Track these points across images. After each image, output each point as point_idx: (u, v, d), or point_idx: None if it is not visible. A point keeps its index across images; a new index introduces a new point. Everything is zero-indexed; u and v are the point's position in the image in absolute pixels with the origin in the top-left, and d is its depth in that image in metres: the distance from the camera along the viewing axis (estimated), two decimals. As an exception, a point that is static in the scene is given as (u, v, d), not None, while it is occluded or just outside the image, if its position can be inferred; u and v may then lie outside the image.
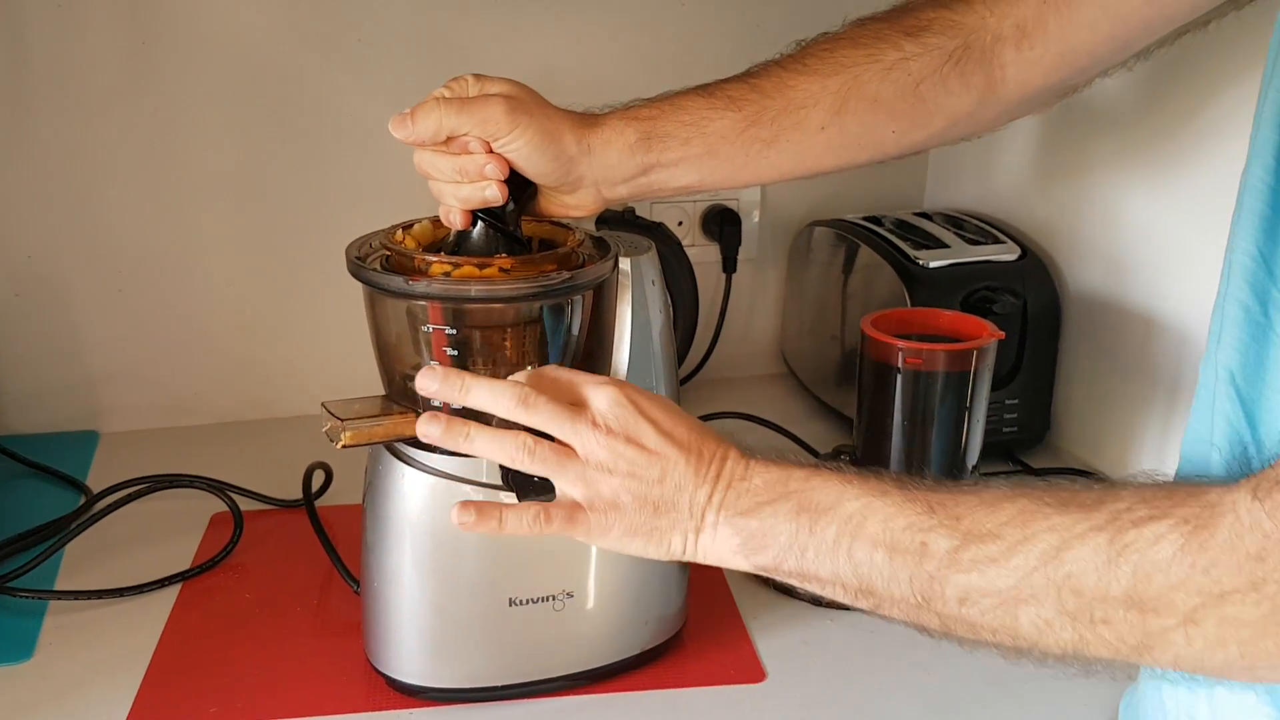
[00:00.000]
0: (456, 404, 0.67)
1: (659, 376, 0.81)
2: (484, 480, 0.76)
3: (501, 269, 0.74)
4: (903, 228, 1.25)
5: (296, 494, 1.07)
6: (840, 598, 0.62)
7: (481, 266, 0.74)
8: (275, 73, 1.18)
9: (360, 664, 0.85)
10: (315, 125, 1.20)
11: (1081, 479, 1.10)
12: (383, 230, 0.81)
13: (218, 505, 1.07)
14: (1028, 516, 0.54)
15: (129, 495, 0.99)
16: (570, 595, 0.80)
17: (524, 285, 0.73)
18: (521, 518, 0.65)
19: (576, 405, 0.65)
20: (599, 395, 0.65)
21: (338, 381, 1.27)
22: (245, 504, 1.06)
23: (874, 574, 0.59)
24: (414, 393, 0.74)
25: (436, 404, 0.74)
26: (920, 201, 1.42)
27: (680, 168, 0.78)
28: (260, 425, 1.26)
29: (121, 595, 0.92)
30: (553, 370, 0.68)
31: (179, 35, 1.14)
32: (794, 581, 0.63)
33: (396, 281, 0.72)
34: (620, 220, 1.20)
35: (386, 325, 0.78)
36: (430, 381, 0.66)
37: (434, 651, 0.80)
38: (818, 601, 0.94)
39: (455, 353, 0.74)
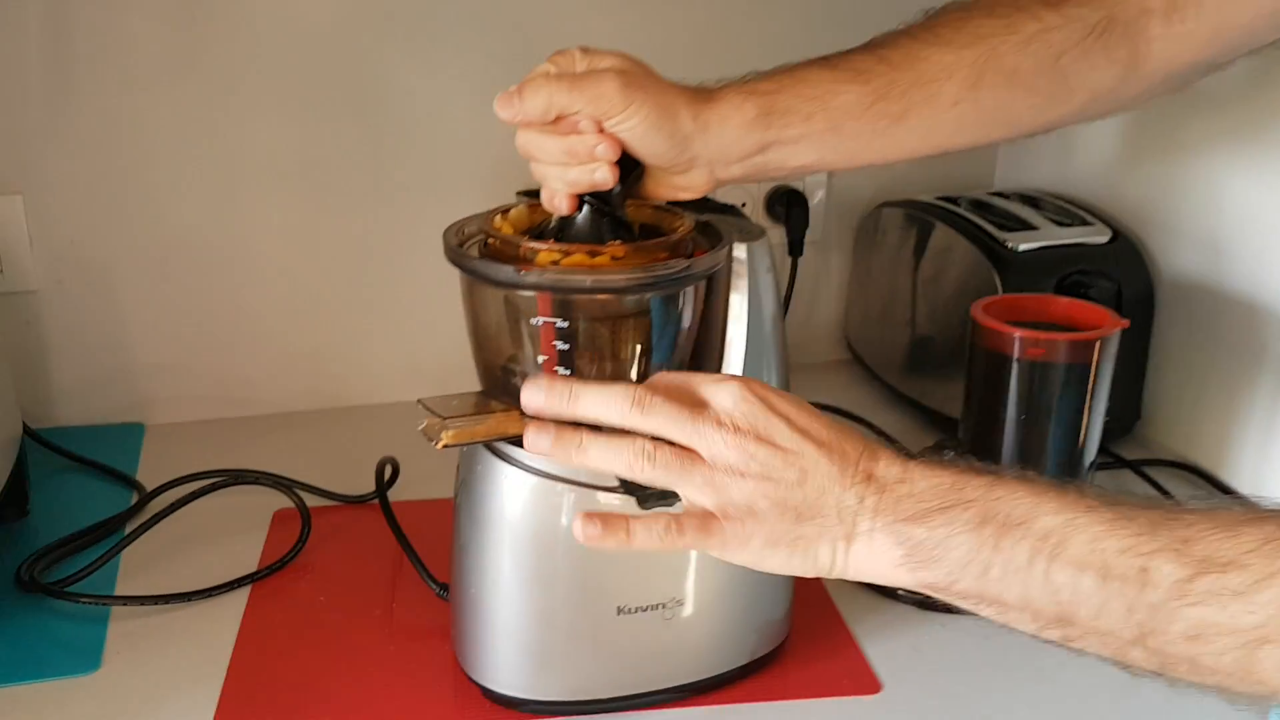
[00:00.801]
0: (565, 416, 0.61)
1: (772, 372, 0.76)
2: (594, 482, 0.71)
3: (614, 257, 0.69)
4: (980, 209, 1.20)
5: (357, 488, 1.03)
6: (1025, 626, 0.56)
7: (592, 254, 0.68)
8: (331, 48, 1.12)
9: (449, 672, 0.80)
10: (372, 103, 1.15)
11: (1196, 478, 1.07)
12: (479, 215, 0.76)
13: (279, 501, 1.02)
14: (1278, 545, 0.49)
15: (193, 493, 0.93)
16: (680, 603, 0.75)
17: (641, 275, 0.67)
18: (651, 530, 0.59)
19: (697, 406, 0.60)
20: (722, 392, 0.59)
21: (395, 372, 1.23)
22: (309, 500, 1.01)
23: (1078, 602, 0.52)
24: (516, 388, 0.70)
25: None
26: (991, 181, 1.37)
27: (800, 146, 0.73)
28: (313, 417, 1.21)
29: (190, 600, 0.87)
30: (665, 375, 0.63)
31: (229, 8, 1.08)
32: (965, 604, 0.57)
33: (505, 271, 0.67)
34: (691, 204, 1.15)
35: (486, 316, 0.72)
36: (535, 395, 0.61)
37: (536, 662, 0.75)
38: (925, 605, 0.89)
39: (565, 346, 0.69)
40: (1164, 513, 0.52)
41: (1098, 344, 0.85)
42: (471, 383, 1.21)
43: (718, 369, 0.75)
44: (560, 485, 0.72)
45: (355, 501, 1.03)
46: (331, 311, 1.20)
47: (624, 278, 0.67)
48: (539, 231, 0.74)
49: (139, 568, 0.92)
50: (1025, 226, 1.14)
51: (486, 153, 1.17)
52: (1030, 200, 1.23)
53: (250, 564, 0.94)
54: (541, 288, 0.67)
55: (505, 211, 0.76)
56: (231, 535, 0.97)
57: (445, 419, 0.70)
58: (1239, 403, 1.05)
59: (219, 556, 0.94)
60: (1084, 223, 1.15)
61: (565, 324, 0.68)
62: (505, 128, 1.18)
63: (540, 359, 0.69)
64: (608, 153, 0.68)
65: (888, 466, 0.58)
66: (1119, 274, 1.10)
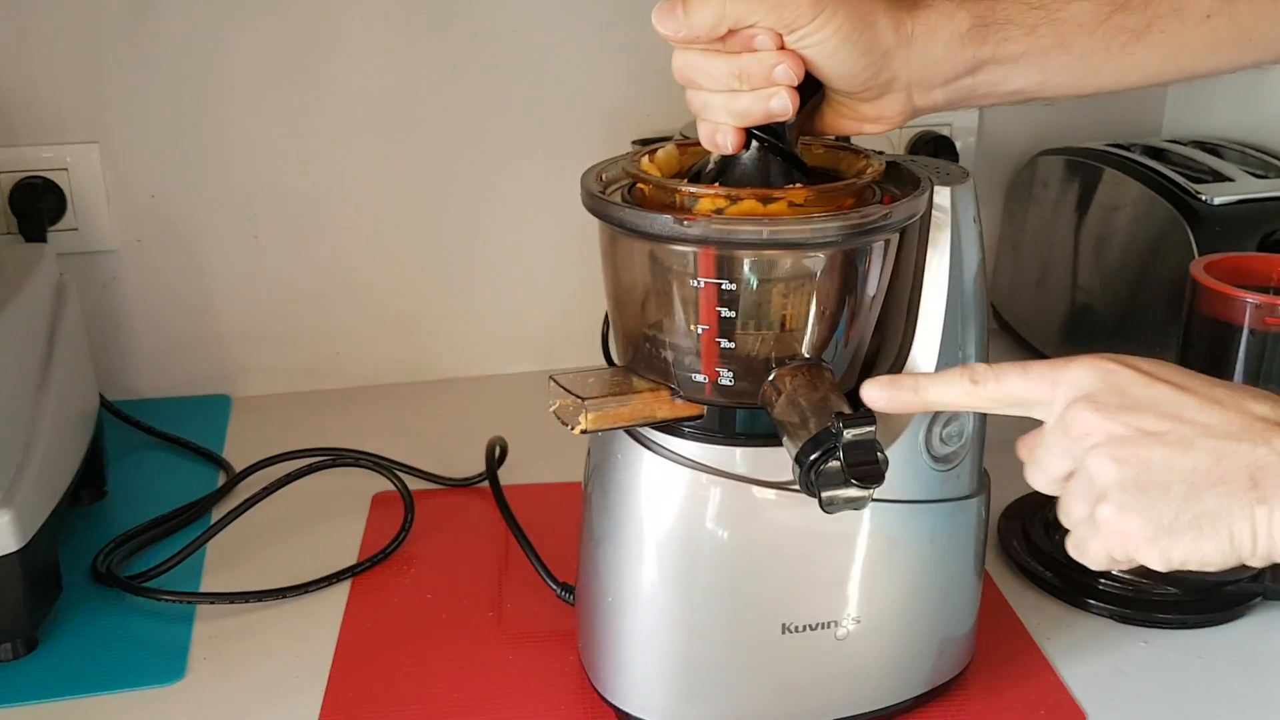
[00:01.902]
0: (913, 408, 0.56)
1: (971, 343, 0.64)
2: (757, 477, 0.59)
3: (791, 204, 0.56)
4: (1158, 157, 1.06)
5: (459, 469, 0.93)
6: None
7: (764, 201, 0.56)
8: (430, -21, 1.01)
9: (575, 685, 0.70)
10: (473, 41, 1.03)
11: None
12: (621, 157, 0.64)
13: (378, 483, 0.92)
14: None
15: (287, 475, 0.83)
16: (858, 620, 0.63)
17: (831, 224, 0.55)
18: (1080, 550, 0.51)
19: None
20: (1075, 369, 0.50)
21: (498, 341, 1.13)
22: (410, 482, 0.91)
23: None
24: (662, 362, 0.58)
25: (697, 376, 0.58)
26: (1159, 127, 1.22)
27: (1020, 66, 0.60)
28: (410, 390, 1.11)
29: (284, 596, 0.78)
30: (1000, 369, 0.53)
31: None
32: None
33: (661, 222, 0.55)
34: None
35: (631, 276, 0.61)
36: (879, 394, 0.55)
37: (684, 684, 0.64)
38: (1123, 618, 0.76)
39: (731, 314, 0.57)
40: None
41: (1348, 314, 0.71)
42: (585, 353, 1.12)
43: (909, 339, 0.62)
44: (717, 479, 0.60)
45: (460, 485, 0.92)
46: (430, 273, 1.09)
47: (809, 228, 0.55)
48: (693, 176, 0.62)
49: (227, 559, 0.82)
50: (1218, 177, 1.00)
51: (598, 98, 1.06)
52: (1210, 149, 1.08)
53: (349, 554, 0.84)
54: (709, 241, 0.55)
55: (652, 152, 0.64)
56: (328, 521, 0.88)
57: (584, 399, 0.58)
58: None
59: (315, 546, 0.84)
60: (1283, 173, 1.00)
61: (732, 286, 0.56)
62: (619, 69, 1.07)
63: (700, 329, 0.57)
64: (790, 74, 0.56)
65: None
66: (1329, 231, 0.95)
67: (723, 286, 0.56)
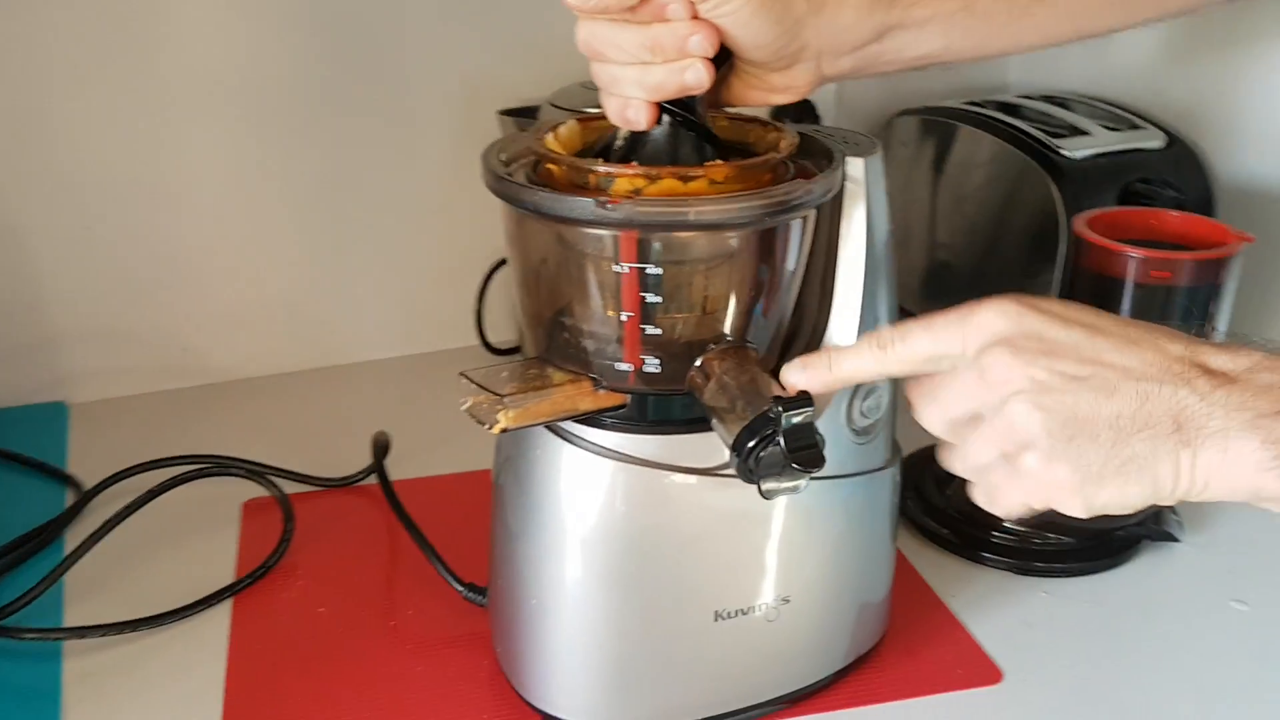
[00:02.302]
0: (830, 386, 0.54)
1: (884, 307, 0.63)
2: (682, 464, 0.57)
3: (713, 181, 0.54)
4: (1013, 113, 1.08)
5: (333, 467, 0.88)
6: None
7: (684, 179, 0.54)
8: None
9: (493, 692, 0.67)
10: (324, 13, 0.96)
11: None
12: (521, 134, 0.60)
13: (248, 490, 0.86)
14: None
15: (150, 491, 0.76)
16: (787, 600, 0.62)
17: (759, 202, 0.53)
18: (986, 496, 0.51)
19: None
20: (983, 314, 0.49)
21: (365, 326, 1.07)
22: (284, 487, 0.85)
23: None
24: (581, 351, 0.55)
25: (620, 365, 0.56)
26: (1006, 86, 1.24)
27: (927, 30, 0.59)
28: (267, 384, 1.04)
29: (161, 623, 0.71)
30: (904, 328, 0.52)
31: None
32: None
33: (582, 205, 0.52)
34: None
35: (543, 263, 0.57)
36: (798, 375, 0.54)
37: (615, 682, 0.62)
38: (1021, 569, 0.78)
39: (656, 298, 0.54)
40: None
41: (1224, 264, 0.73)
42: (456, 333, 1.08)
43: (826, 313, 0.61)
44: (641, 469, 0.58)
45: (340, 485, 0.87)
46: (282, 258, 1.02)
47: (735, 207, 0.53)
48: (600, 152, 0.59)
49: (88, 587, 0.75)
50: (1074, 131, 1.02)
51: (457, 67, 1.01)
52: (1060, 103, 1.11)
53: (225, 570, 0.78)
54: (634, 224, 0.52)
55: (554, 128, 0.60)
56: (196, 535, 0.81)
57: (502, 396, 0.55)
58: (1319, 319, 0.95)
59: (185, 565, 0.78)
60: (1134, 127, 1.04)
61: (658, 270, 0.53)
62: (477, 36, 1.02)
63: (624, 316, 0.54)
64: (705, 45, 0.53)
65: (1231, 357, 0.47)
66: (1179, 181, 0.99)
67: (647, 270, 0.53)
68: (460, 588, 0.72)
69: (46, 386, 0.98)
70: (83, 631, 0.69)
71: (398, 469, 0.87)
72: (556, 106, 0.94)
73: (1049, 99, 1.12)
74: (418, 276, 1.06)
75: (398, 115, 1.01)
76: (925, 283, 1.15)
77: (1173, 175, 0.99)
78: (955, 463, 0.51)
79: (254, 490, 0.85)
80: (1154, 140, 1.01)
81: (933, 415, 0.50)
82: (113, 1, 0.89)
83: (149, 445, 0.88)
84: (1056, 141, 0.99)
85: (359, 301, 1.06)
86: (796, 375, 0.54)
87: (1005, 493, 0.49)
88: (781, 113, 1.15)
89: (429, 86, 1.01)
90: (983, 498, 0.51)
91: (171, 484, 0.77)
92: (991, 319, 0.49)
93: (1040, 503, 0.49)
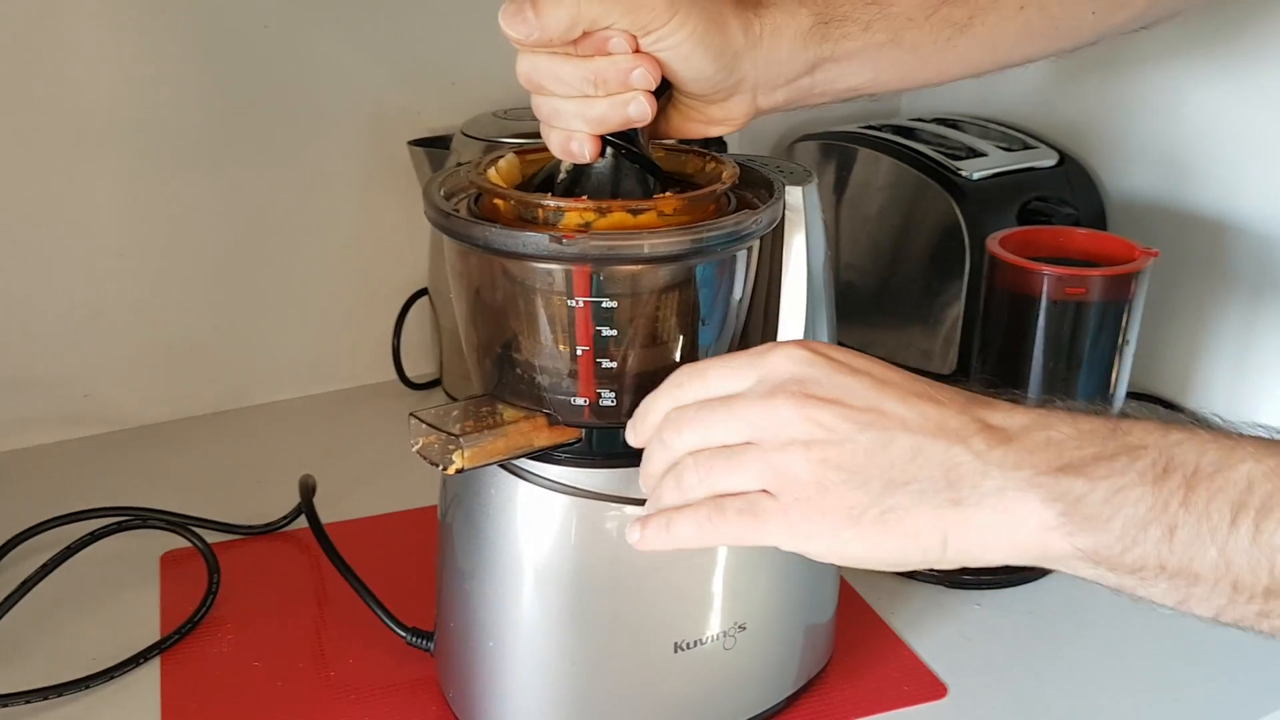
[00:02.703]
0: (643, 438, 0.53)
1: (823, 330, 0.64)
2: (639, 496, 0.57)
3: (662, 213, 0.54)
4: (908, 135, 1.11)
5: (251, 514, 0.85)
6: (1212, 605, 0.44)
7: (634, 212, 0.54)
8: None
9: (449, 741, 0.65)
10: (227, 45, 0.94)
11: (1163, 407, 1.02)
12: (461, 167, 0.60)
13: (164, 542, 0.82)
14: None
15: (67, 549, 0.72)
16: (743, 628, 0.62)
17: (710, 234, 0.53)
18: (692, 520, 0.49)
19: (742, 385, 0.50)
20: (776, 358, 0.49)
21: (276, 368, 1.04)
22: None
23: None
24: (535, 387, 0.55)
25: (576, 399, 0.55)
26: (898, 110, 1.28)
27: (855, 63, 0.60)
28: (177, 430, 1.00)
29: (88, 687, 0.68)
30: (703, 362, 0.52)
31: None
32: (1134, 581, 0.44)
33: (536, 240, 0.51)
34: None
35: (492, 297, 0.56)
36: (629, 434, 0.53)
37: (578, 718, 0.61)
38: (954, 583, 0.80)
39: (611, 331, 0.54)
40: None
41: (1133, 279, 0.76)
42: (372, 369, 1.06)
43: (772, 334, 0.62)
44: (598, 504, 0.57)
45: (263, 532, 0.84)
46: (189, 298, 0.99)
47: (688, 239, 0.53)
48: (541, 185, 0.58)
49: (4, 653, 0.71)
50: (971, 152, 1.06)
51: (364, 99, 1.00)
52: (952, 124, 1.15)
53: (150, 627, 0.74)
54: (589, 259, 0.52)
55: (494, 162, 0.59)
56: (115, 592, 0.78)
57: (457, 436, 0.54)
58: (1206, 331, 1.00)
59: (105, 624, 0.75)
60: (1026, 146, 1.08)
61: (613, 304, 0.53)
62: (383, 68, 1.01)
63: (579, 350, 0.54)
64: (647, 78, 0.54)
65: (1010, 415, 0.47)
66: (1073, 198, 1.03)
67: (602, 304, 0.53)
68: (403, 633, 0.70)
69: (-62, 441, 0.93)
70: (4, 700, 0.65)
71: (322, 512, 0.84)
72: (468, 136, 0.94)
73: (942, 121, 1.16)
74: (330, 312, 1.04)
75: (304, 148, 0.99)
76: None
77: (1067, 192, 1.04)
78: (694, 485, 0.49)
79: (171, 541, 0.82)
80: (1047, 159, 1.05)
81: (691, 439, 0.49)
82: (7, 40, 0.85)
83: (55, 499, 0.85)
84: (955, 163, 1.02)
85: (270, 340, 1.03)
86: (628, 435, 0.53)
87: (762, 521, 0.48)
88: (687, 140, 1.17)
89: (336, 119, 0.99)
90: (731, 525, 0.49)
91: (90, 539, 0.74)
92: (784, 362, 0.49)
93: (793, 542, 0.48)
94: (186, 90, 0.93)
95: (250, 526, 0.84)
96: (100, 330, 0.96)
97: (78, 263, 0.94)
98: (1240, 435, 0.45)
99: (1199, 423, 0.46)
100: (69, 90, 0.89)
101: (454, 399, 1.03)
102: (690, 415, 0.50)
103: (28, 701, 0.66)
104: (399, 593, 0.72)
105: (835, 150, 1.14)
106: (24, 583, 0.70)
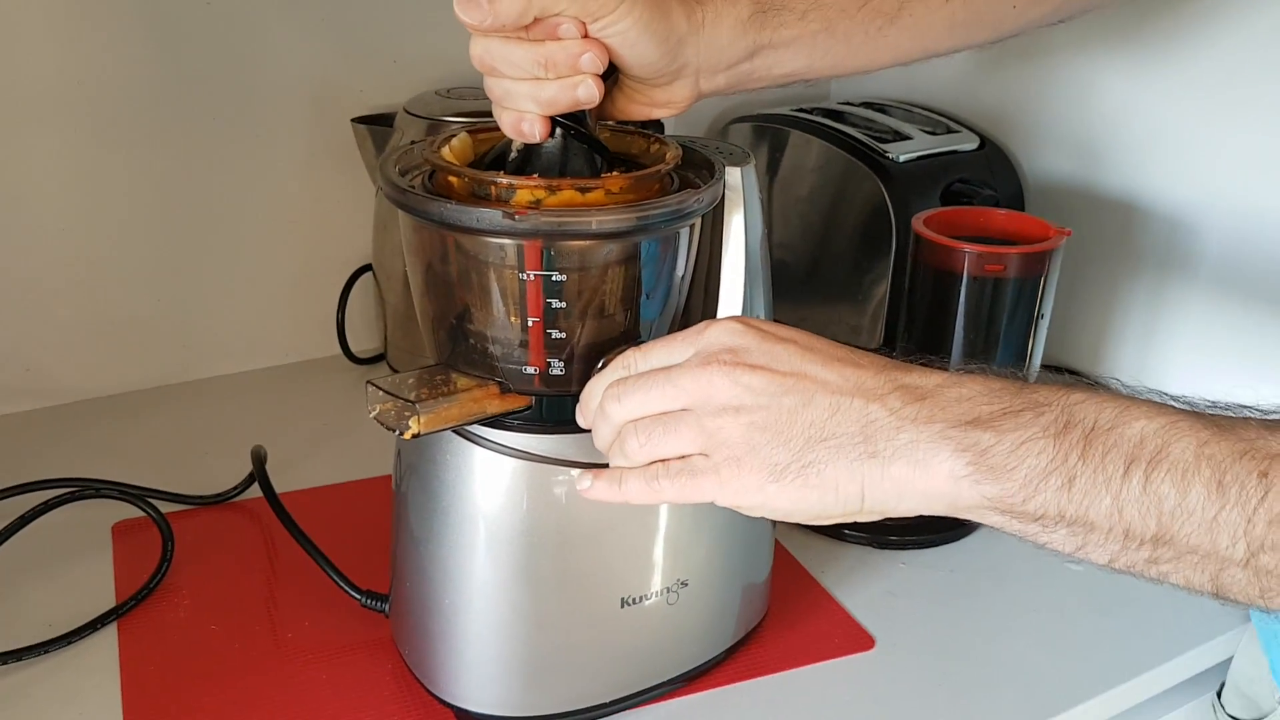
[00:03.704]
0: (587, 418, 0.56)
1: (760, 305, 0.68)
2: (586, 460, 0.60)
3: (609, 191, 0.57)
4: (838, 118, 1.15)
5: (197, 484, 0.87)
6: (1105, 552, 0.47)
7: (583, 190, 0.57)
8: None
9: (405, 694, 0.68)
10: (169, 20, 0.94)
11: (1075, 377, 1.07)
12: (414, 144, 0.62)
13: (115, 512, 0.84)
14: None
15: (20, 519, 0.74)
16: (685, 584, 0.66)
17: (655, 211, 0.56)
18: (640, 479, 0.53)
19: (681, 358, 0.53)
20: (711, 332, 0.53)
21: (220, 342, 1.05)
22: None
23: (1183, 516, 0.45)
24: (487, 357, 0.58)
25: (526, 368, 0.58)
26: (827, 94, 1.32)
27: (791, 50, 0.64)
28: (119, 403, 1.01)
29: (47, 651, 0.70)
30: (647, 344, 0.55)
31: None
32: (1035, 529, 0.48)
33: (490, 216, 0.54)
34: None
35: (446, 271, 0.59)
36: (579, 416, 0.57)
37: (528, 674, 0.64)
38: (880, 544, 0.85)
39: (560, 304, 0.57)
40: (1219, 414, 0.47)
41: (1048, 256, 0.81)
42: (316, 343, 1.07)
43: (712, 311, 0.65)
44: (548, 467, 0.61)
45: (215, 502, 0.86)
46: (131, 271, 0.99)
47: (634, 216, 0.56)
48: (493, 163, 0.61)
49: (-45, 620, 0.73)
50: (898, 135, 1.10)
51: (306, 76, 1.01)
52: (879, 108, 1.19)
53: (104, 595, 0.76)
54: (540, 234, 0.55)
55: (448, 140, 0.62)
56: (67, 561, 0.79)
57: (413, 402, 0.57)
58: (1115, 306, 1.06)
59: (60, 592, 0.76)
60: (950, 130, 1.12)
61: (562, 277, 0.56)
62: (325, 45, 1.02)
63: (530, 321, 0.57)
64: (596, 62, 0.56)
65: (925, 376, 0.51)
66: (994, 180, 1.08)
67: (552, 278, 0.56)
68: (358, 595, 0.72)
69: (-121, 416, 0.93)
70: (-37, 666, 0.67)
71: (273, 483, 0.86)
72: (411, 114, 0.96)
73: (869, 105, 1.20)
74: (274, 287, 1.06)
75: (249, 124, 1.00)
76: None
77: (988, 174, 1.09)
78: (635, 450, 0.53)
79: (123, 512, 0.83)
80: (969, 143, 1.10)
81: (630, 408, 0.53)
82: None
83: (4, 471, 0.85)
84: (882, 145, 1.06)
85: (214, 314, 1.04)
86: (578, 416, 0.57)
87: (698, 480, 0.52)
88: (631, 121, 1.20)
89: (280, 95, 1.01)
90: (672, 487, 0.52)
91: (42, 509, 0.75)
92: (718, 334, 0.53)
93: (726, 498, 0.51)
94: (129, 66, 0.93)
95: (202, 496, 0.85)
96: (41, 304, 0.96)
97: (18, 238, 0.94)
98: (1135, 398, 0.49)
99: (1101, 387, 0.51)
100: (9, 65, 0.89)
101: (398, 373, 1.05)
102: (630, 386, 0.53)
103: (-12, 666, 0.67)
104: (351, 558, 0.74)
105: (768, 132, 1.17)
106: (-23, 552, 0.71)
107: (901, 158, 1.05)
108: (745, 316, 0.55)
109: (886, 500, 0.50)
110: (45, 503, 0.75)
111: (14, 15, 0.88)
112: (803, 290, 1.16)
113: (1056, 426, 0.47)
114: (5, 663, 0.68)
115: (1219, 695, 0.80)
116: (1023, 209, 1.11)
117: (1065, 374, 1.09)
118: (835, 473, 0.49)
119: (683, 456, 0.52)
